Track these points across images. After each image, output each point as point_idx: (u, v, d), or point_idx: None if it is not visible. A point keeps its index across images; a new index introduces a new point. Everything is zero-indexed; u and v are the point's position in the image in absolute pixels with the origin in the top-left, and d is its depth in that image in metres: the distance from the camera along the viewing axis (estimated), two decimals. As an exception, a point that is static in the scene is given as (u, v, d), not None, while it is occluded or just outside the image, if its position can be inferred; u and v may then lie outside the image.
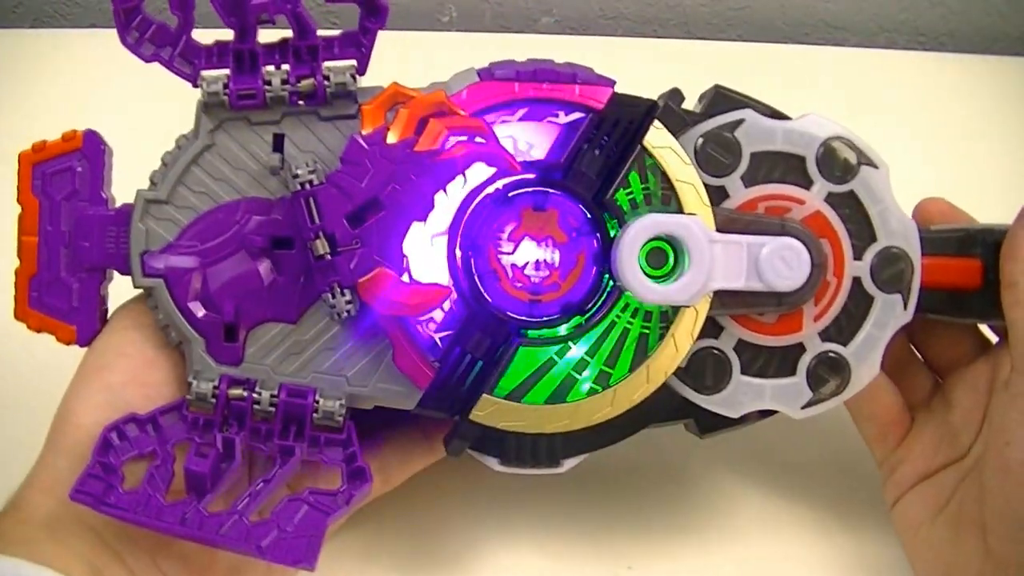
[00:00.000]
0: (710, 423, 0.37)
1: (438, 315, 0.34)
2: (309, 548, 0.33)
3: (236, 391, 0.34)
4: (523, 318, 0.35)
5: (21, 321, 0.35)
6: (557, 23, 0.69)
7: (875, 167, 0.36)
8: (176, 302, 0.34)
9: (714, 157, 0.35)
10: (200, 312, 0.35)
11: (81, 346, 0.36)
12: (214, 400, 0.34)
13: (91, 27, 0.65)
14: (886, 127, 0.50)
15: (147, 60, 0.34)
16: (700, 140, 0.35)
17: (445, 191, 0.34)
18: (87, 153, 0.35)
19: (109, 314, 0.37)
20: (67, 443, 0.34)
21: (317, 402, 0.34)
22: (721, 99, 0.36)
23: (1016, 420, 0.35)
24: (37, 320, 0.35)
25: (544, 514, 0.43)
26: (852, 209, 0.36)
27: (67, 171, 0.35)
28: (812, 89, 0.62)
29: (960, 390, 0.39)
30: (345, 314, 0.34)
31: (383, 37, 0.34)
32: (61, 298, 0.35)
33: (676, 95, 0.36)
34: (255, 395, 0.34)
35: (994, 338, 0.39)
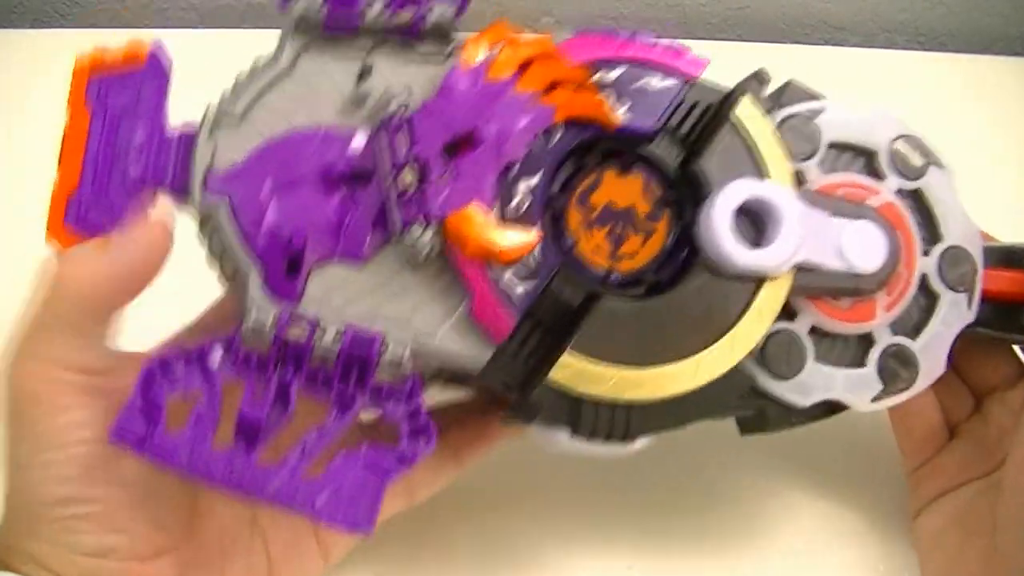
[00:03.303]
0: (775, 417, 0.35)
1: (523, 266, 0.33)
2: (367, 510, 0.29)
3: (296, 329, 0.31)
4: (600, 283, 0.34)
5: (54, 238, 0.32)
6: (557, 23, 0.67)
7: (941, 168, 0.37)
8: (239, 226, 0.32)
9: (794, 142, 0.36)
10: (264, 241, 0.32)
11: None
12: (272, 334, 0.31)
13: (91, 27, 0.64)
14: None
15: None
16: (781, 124, 0.36)
17: (542, 136, 0.33)
18: (150, 74, 0.33)
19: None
20: None
21: (384, 347, 0.32)
22: (795, 92, 0.37)
23: None
24: (71, 240, 0.32)
25: (545, 515, 0.42)
26: (919, 206, 0.37)
27: (127, 88, 0.33)
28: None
29: (997, 409, 0.39)
30: (425, 253, 0.32)
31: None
32: (105, 218, 0.32)
33: (760, 77, 0.36)
34: (318, 332, 0.31)
35: None
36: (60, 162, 0.32)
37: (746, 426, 0.36)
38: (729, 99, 0.35)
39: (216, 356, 0.31)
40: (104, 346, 0.32)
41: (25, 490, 0.30)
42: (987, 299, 0.37)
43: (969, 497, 0.38)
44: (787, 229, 0.33)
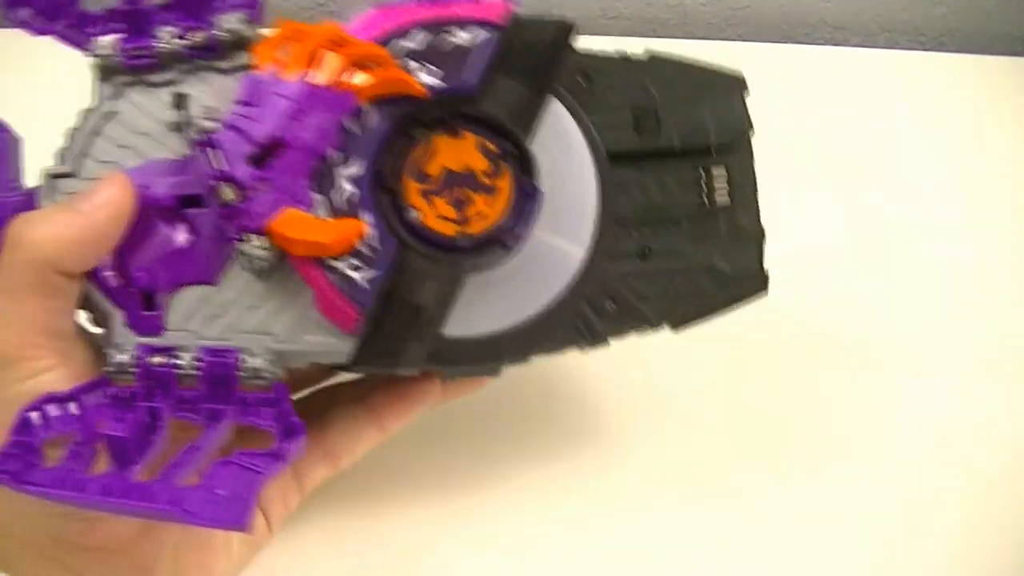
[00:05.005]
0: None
1: (360, 255, 0.33)
2: (241, 508, 0.30)
3: (157, 359, 0.33)
4: (455, 251, 0.34)
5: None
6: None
7: None
8: (91, 278, 0.33)
9: None
10: (114, 283, 0.33)
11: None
12: (135, 370, 0.33)
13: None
14: (886, 127, 0.49)
15: (40, 34, 0.34)
16: None
17: (351, 124, 0.33)
18: None
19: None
20: None
21: (242, 361, 0.33)
22: None
23: None
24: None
25: (540, 513, 0.42)
26: None
27: None
28: (812, 89, 0.62)
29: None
30: (261, 262, 0.32)
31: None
32: None
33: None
34: (176, 359, 0.33)
35: None
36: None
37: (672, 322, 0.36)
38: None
39: (88, 400, 0.33)
40: (73, 311, 0.33)
41: None
42: None
43: None
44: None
